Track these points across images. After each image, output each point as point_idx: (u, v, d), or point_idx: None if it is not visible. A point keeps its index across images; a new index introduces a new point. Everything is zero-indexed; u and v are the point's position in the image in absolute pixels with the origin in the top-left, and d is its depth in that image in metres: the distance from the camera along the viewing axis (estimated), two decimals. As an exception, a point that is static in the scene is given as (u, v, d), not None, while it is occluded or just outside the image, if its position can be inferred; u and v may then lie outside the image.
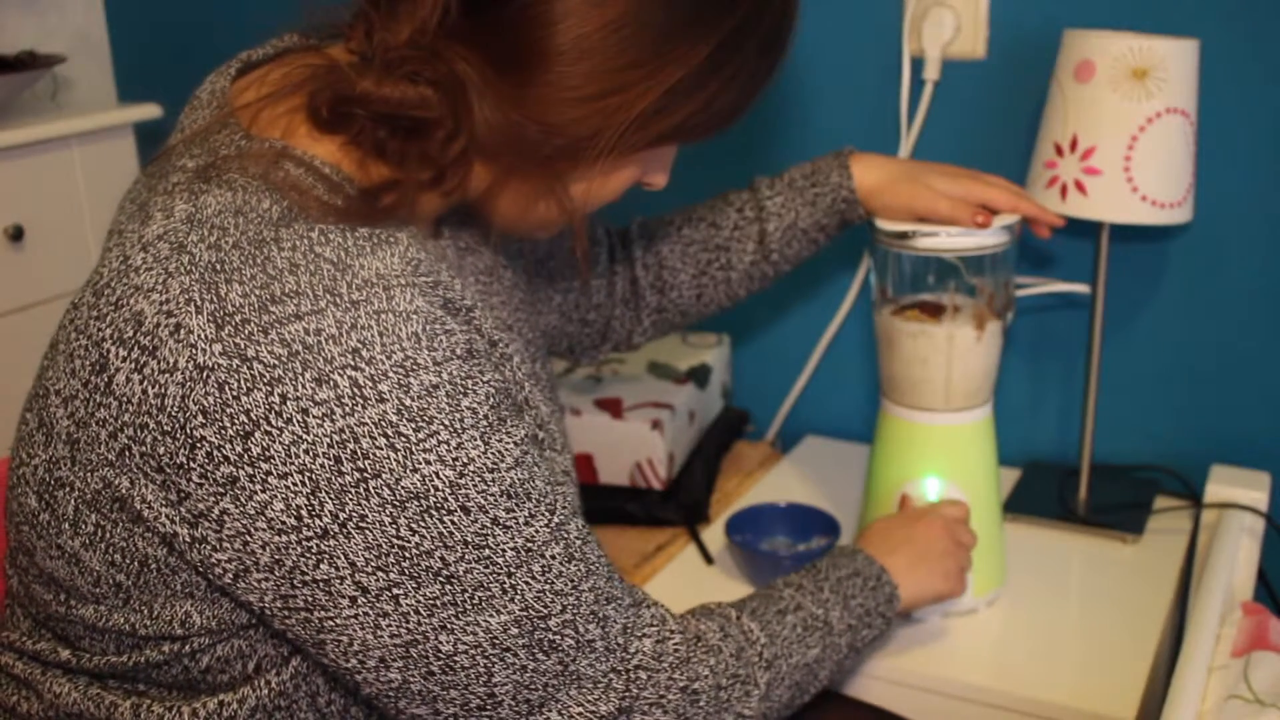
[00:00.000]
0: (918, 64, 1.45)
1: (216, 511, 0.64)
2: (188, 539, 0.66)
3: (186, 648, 0.72)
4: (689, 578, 1.31)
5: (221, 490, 0.64)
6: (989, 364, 1.18)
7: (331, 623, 0.67)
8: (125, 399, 0.65)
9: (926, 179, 1.12)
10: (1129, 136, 1.21)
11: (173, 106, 1.82)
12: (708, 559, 1.33)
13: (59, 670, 0.76)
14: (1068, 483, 1.43)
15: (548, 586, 0.70)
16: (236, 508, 0.64)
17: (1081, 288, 1.32)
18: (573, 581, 0.72)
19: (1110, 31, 1.25)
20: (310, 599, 0.66)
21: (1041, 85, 1.30)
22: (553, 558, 0.71)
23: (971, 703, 1.12)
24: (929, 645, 1.17)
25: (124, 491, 0.66)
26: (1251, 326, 1.38)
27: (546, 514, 0.71)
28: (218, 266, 0.65)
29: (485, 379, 0.68)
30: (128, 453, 0.65)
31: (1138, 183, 1.22)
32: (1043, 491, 1.42)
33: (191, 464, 0.64)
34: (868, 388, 1.60)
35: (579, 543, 0.73)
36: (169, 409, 0.64)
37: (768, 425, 1.66)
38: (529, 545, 0.69)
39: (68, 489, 0.69)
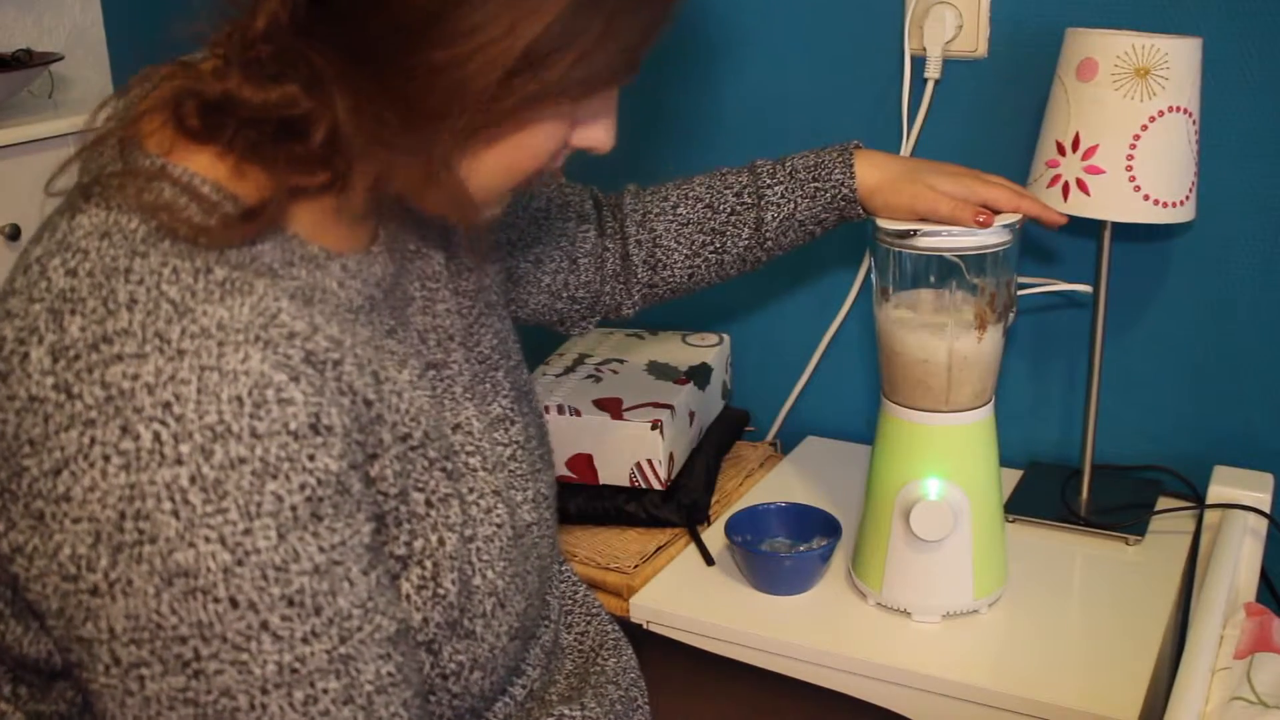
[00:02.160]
0: (919, 62, 1.45)
1: (29, 548, 0.62)
2: (10, 573, 0.64)
3: (71, 690, 0.70)
4: (689, 578, 1.30)
5: (34, 524, 0.61)
6: (990, 364, 1.17)
7: (92, 686, 0.63)
8: None
9: (928, 179, 1.11)
10: (1131, 135, 1.20)
11: (170, 105, 1.82)
12: (708, 560, 1.33)
13: (6, 701, 0.75)
14: (1070, 483, 1.42)
15: None
16: (41, 545, 0.61)
17: (1083, 287, 1.31)
18: None
19: (1112, 30, 1.24)
20: (79, 656, 0.63)
21: (1043, 84, 1.30)
22: (323, 691, 0.63)
23: (972, 704, 1.11)
24: (929, 646, 1.17)
25: None
26: (1254, 326, 1.37)
27: (334, 639, 0.63)
28: (67, 295, 0.63)
29: (312, 465, 0.62)
30: None
31: (1140, 182, 1.21)
32: (1044, 492, 1.42)
33: (18, 492, 0.62)
34: (868, 388, 1.60)
35: (370, 689, 0.65)
36: (7, 436, 0.62)
37: (768, 425, 1.66)
38: (296, 667, 0.62)
39: None
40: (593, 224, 1.14)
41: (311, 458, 0.62)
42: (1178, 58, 1.19)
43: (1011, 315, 1.21)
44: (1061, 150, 1.24)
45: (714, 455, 1.51)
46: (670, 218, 1.15)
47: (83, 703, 0.71)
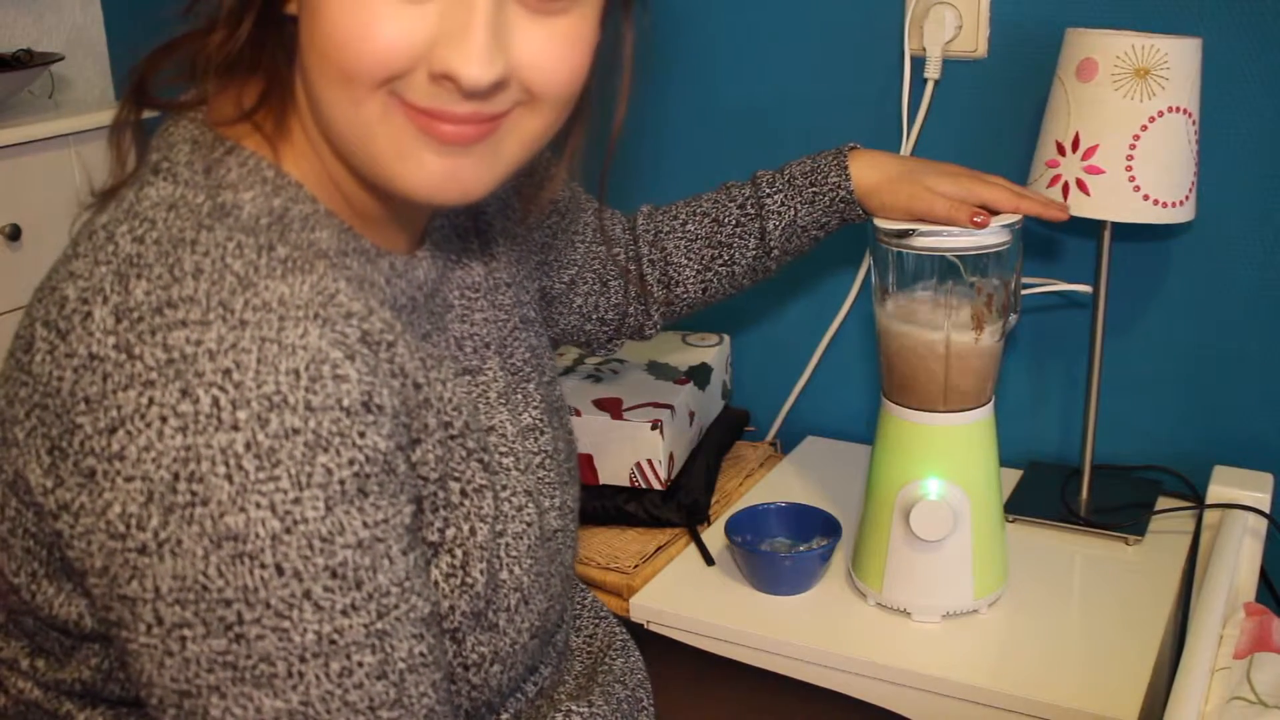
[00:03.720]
0: (919, 62, 1.45)
1: (75, 505, 0.63)
2: (53, 529, 0.65)
3: (93, 652, 0.71)
4: (689, 578, 1.30)
5: (82, 482, 0.63)
6: (988, 364, 1.17)
7: (130, 646, 0.64)
8: (38, 378, 0.65)
9: (925, 179, 1.12)
10: (1131, 135, 1.20)
11: (171, 105, 1.82)
12: (708, 560, 1.33)
13: (23, 675, 0.76)
14: (1069, 483, 1.42)
15: (339, 694, 0.64)
16: (89, 502, 0.63)
17: (1083, 288, 1.32)
18: (372, 702, 0.65)
19: (1112, 30, 1.24)
20: (119, 615, 0.64)
21: (1043, 84, 1.30)
22: (358, 664, 0.64)
23: (972, 704, 1.11)
24: (929, 645, 1.17)
25: (24, 471, 0.66)
26: (1254, 326, 1.37)
27: (372, 614, 0.64)
28: (134, 260, 0.65)
29: (362, 442, 0.64)
30: (34, 433, 0.65)
31: (1140, 182, 1.21)
32: (1044, 492, 1.42)
33: (70, 449, 0.63)
34: (868, 388, 1.60)
35: (403, 666, 0.66)
36: (63, 393, 0.63)
37: (768, 425, 1.66)
38: (334, 638, 0.63)
39: (1, 473, 0.69)
40: (622, 247, 1.16)
41: (362, 435, 0.64)
42: (1178, 58, 1.19)
43: (1014, 317, 1.21)
44: (1061, 150, 1.24)
45: (714, 455, 1.51)
46: (679, 235, 1.17)
47: (107, 669, 0.71)
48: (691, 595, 1.27)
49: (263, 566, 0.61)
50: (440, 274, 0.82)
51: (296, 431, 0.61)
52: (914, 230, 1.11)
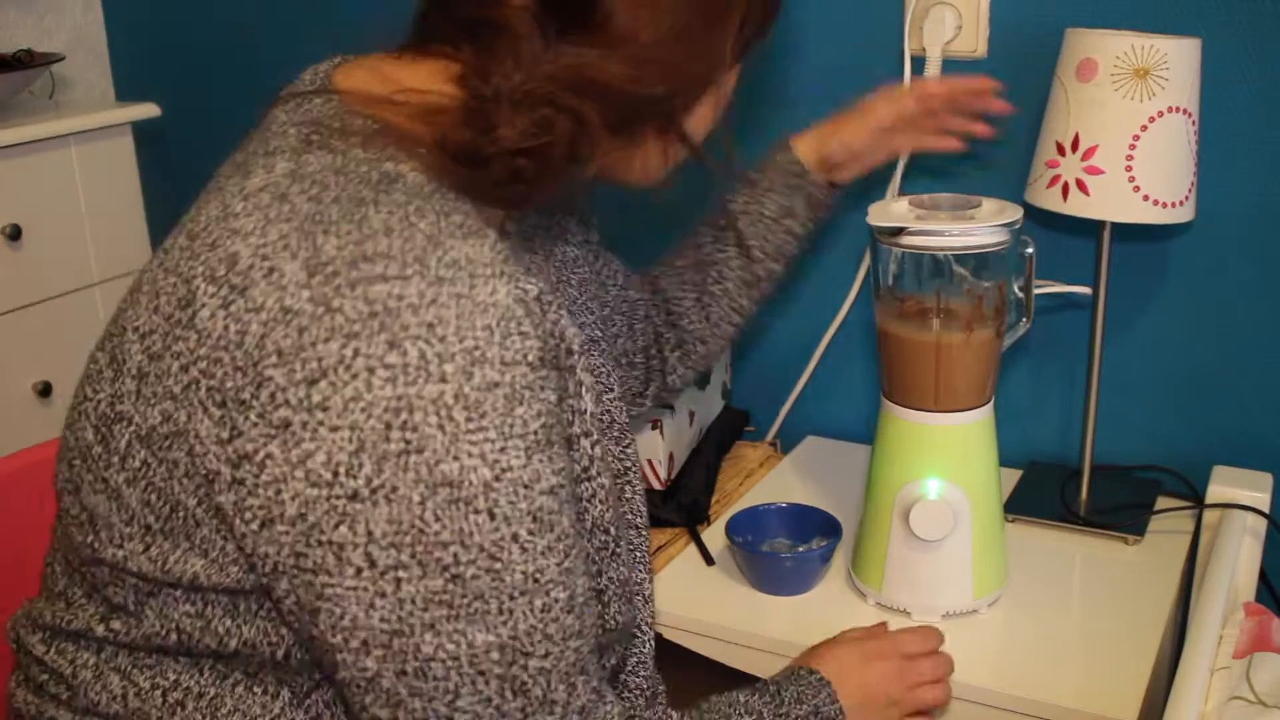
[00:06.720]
0: (919, 63, 1.45)
1: (261, 455, 0.65)
2: (228, 479, 0.67)
3: (195, 608, 0.73)
4: (690, 579, 1.30)
5: (273, 433, 0.65)
6: (986, 365, 1.17)
7: (332, 590, 0.66)
8: (205, 333, 0.66)
9: (849, 127, 1.20)
10: (1131, 136, 1.20)
11: (171, 105, 1.82)
12: (708, 560, 1.33)
13: (87, 648, 0.77)
14: (1069, 483, 1.43)
15: (541, 626, 0.69)
16: (282, 453, 0.65)
17: (1082, 289, 1.32)
18: (564, 633, 0.70)
19: (1112, 30, 1.25)
20: (319, 561, 0.66)
21: (1043, 84, 1.30)
22: (555, 600, 0.69)
23: (972, 704, 1.11)
24: (930, 646, 1.17)
25: (180, 425, 0.68)
26: (1253, 325, 1.37)
27: (563, 554, 0.69)
28: (317, 218, 0.67)
29: (544, 395, 0.68)
30: (195, 385, 0.67)
31: (1140, 182, 1.21)
32: (1044, 492, 1.42)
33: (254, 401, 0.65)
34: (868, 388, 1.60)
35: (582, 600, 0.72)
36: (246, 346, 0.65)
37: (768, 425, 1.66)
38: (538, 576, 0.68)
39: (125, 422, 0.70)
40: (641, 293, 1.18)
41: (542, 388, 0.68)
42: (1177, 58, 1.19)
43: (1025, 323, 1.21)
44: (1061, 151, 1.24)
45: (714, 455, 1.51)
46: (670, 271, 1.22)
47: (208, 618, 0.73)
48: (691, 595, 1.27)
49: (476, 511, 0.65)
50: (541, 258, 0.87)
51: (496, 385, 0.65)
52: (912, 230, 1.11)
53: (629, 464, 0.92)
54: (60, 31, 1.95)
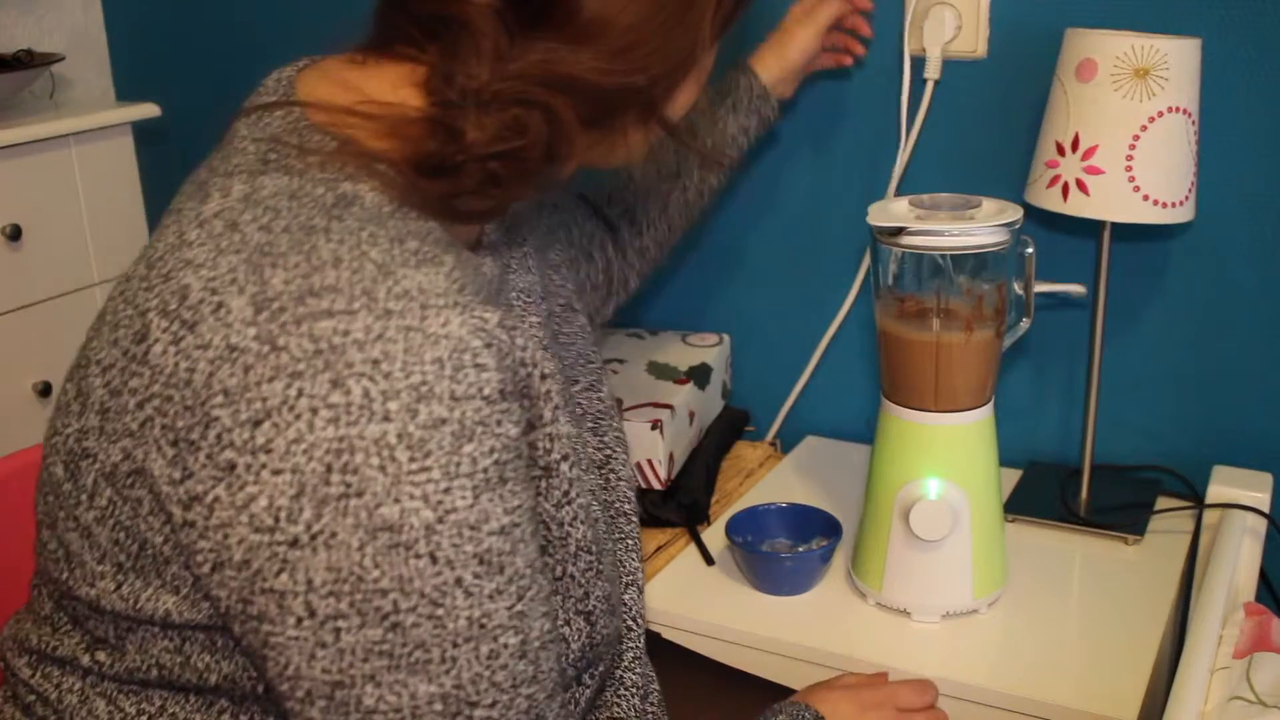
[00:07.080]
0: (918, 63, 1.45)
1: (210, 497, 0.63)
2: (180, 520, 0.65)
3: (174, 643, 0.71)
4: (689, 579, 1.30)
5: (220, 475, 0.63)
6: (985, 364, 1.17)
7: (275, 639, 0.64)
8: (158, 369, 0.64)
9: (802, 33, 1.31)
10: (1131, 136, 1.20)
11: (171, 106, 1.82)
12: (708, 560, 1.33)
13: (73, 673, 0.76)
14: (1069, 483, 1.43)
15: (487, 674, 0.66)
16: (228, 496, 0.63)
17: (1076, 288, 1.31)
18: (514, 679, 0.67)
19: (1112, 30, 1.24)
20: (263, 608, 0.64)
21: (1043, 84, 1.30)
22: (504, 645, 0.66)
23: (972, 704, 1.11)
24: (929, 645, 1.17)
25: (139, 463, 0.66)
26: (1254, 326, 1.37)
27: (514, 597, 0.66)
28: (266, 249, 0.64)
29: (500, 430, 0.65)
30: (150, 424, 0.65)
31: (1140, 182, 1.21)
32: (1044, 492, 1.42)
33: (202, 442, 0.63)
34: (868, 388, 1.60)
35: (537, 644, 0.68)
36: (195, 384, 0.63)
37: (768, 425, 1.66)
38: (484, 621, 0.65)
39: (90, 459, 0.68)
40: (595, 221, 1.20)
41: (499, 423, 0.65)
42: (1177, 58, 1.19)
43: (1025, 323, 1.21)
44: (1061, 151, 1.24)
45: (714, 455, 1.51)
46: (633, 185, 1.27)
47: (185, 654, 0.71)
48: (691, 595, 1.27)
49: (417, 556, 0.62)
50: (501, 273, 0.84)
51: (444, 421, 0.62)
52: (912, 230, 1.11)
53: (610, 452, 0.90)
54: (60, 31, 1.95)
